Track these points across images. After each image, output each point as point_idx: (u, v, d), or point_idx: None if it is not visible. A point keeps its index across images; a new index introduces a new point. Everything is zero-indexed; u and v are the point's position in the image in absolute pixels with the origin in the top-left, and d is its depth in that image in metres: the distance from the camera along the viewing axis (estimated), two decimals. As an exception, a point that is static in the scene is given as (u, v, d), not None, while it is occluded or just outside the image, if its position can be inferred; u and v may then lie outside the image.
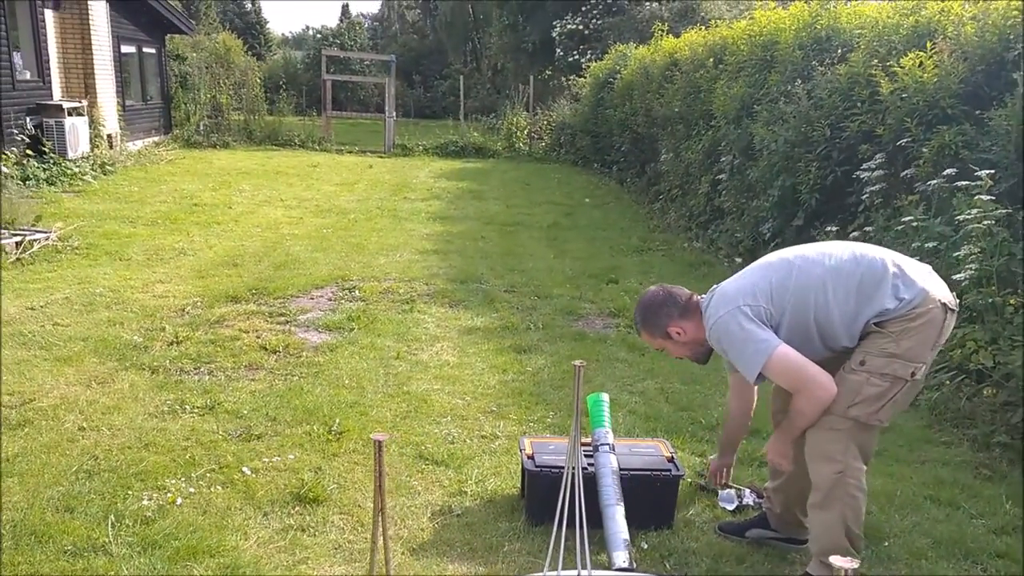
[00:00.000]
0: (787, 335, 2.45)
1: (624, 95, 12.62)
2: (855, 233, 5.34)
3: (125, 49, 14.91)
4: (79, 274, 6.08)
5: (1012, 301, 3.63)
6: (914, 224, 4.40)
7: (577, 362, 2.59)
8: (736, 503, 3.11)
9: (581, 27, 20.51)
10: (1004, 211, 3.86)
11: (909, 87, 4.91)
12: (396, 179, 13.00)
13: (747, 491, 3.16)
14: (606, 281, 6.65)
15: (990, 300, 3.70)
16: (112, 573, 2.54)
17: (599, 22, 20.15)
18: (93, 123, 12.30)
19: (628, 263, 7.42)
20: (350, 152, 17.01)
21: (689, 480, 3.27)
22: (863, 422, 2.44)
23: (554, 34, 21.33)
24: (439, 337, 5.07)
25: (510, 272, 6.85)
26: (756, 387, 2.76)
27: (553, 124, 17.85)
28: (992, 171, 3.98)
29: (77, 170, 10.74)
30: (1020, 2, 4.53)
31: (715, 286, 2.67)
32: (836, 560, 1.37)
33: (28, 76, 11.39)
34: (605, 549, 2.61)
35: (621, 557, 2.54)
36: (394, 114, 18.22)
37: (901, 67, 5.00)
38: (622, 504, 2.70)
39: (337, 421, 3.70)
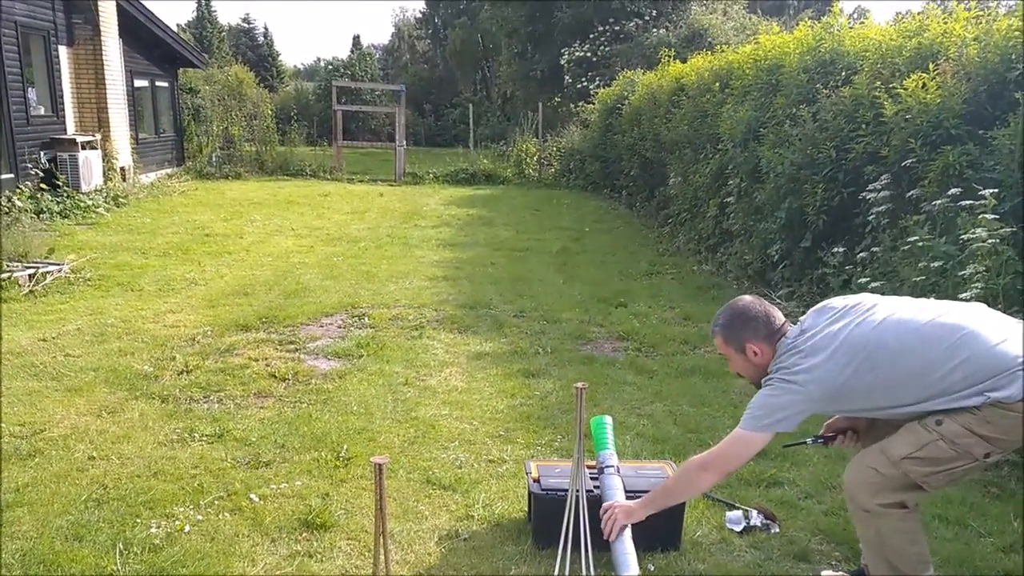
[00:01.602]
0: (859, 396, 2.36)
1: (632, 120, 12.71)
2: (863, 254, 5.34)
3: (138, 83, 15.19)
4: (91, 305, 6.15)
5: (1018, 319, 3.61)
6: (920, 244, 4.40)
7: (578, 384, 2.60)
8: (744, 524, 3.09)
9: (589, 54, 20.71)
10: (1009, 230, 3.86)
11: (913, 108, 4.93)
12: (406, 207, 13.09)
13: (754, 512, 3.14)
14: (615, 305, 6.66)
15: (997, 318, 3.68)
16: (119, 601, 2.55)
17: (607, 49, 20.35)
18: (106, 156, 12.49)
19: (637, 287, 7.43)
20: (361, 181, 17.16)
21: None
22: (911, 479, 2.29)
23: (563, 61, 21.55)
24: (448, 363, 5.09)
25: (519, 297, 6.87)
26: None
27: (562, 150, 17.96)
28: (996, 190, 3.99)
29: (90, 203, 10.88)
30: (1022, 22, 4.56)
31: (808, 326, 2.47)
32: (827, 575, 1.36)
33: (42, 111, 11.61)
34: (613, 571, 2.59)
35: None
36: (404, 143, 18.39)
37: (905, 89, 5.03)
38: (629, 526, 2.69)
39: (345, 447, 3.71)
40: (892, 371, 2.27)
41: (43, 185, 10.52)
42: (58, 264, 7.05)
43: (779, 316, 2.53)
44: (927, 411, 2.26)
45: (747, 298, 2.60)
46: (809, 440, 2.73)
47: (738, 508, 3.19)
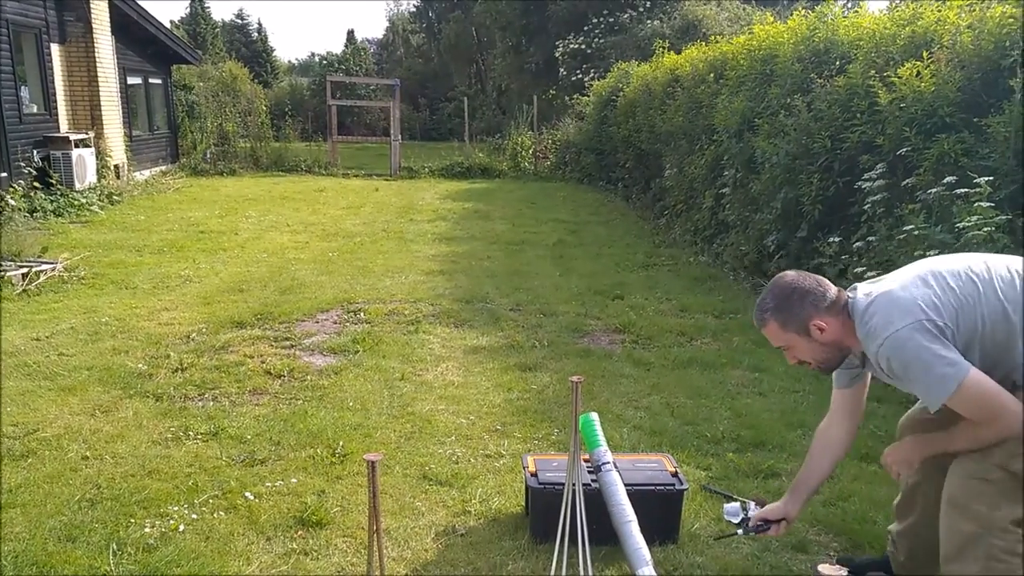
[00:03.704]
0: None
1: (627, 112, 12.68)
2: (858, 243, 5.32)
3: (131, 80, 15.13)
4: (85, 304, 6.12)
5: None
6: (916, 233, 4.38)
7: (574, 378, 2.58)
8: (741, 516, 3.07)
9: (583, 46, 20.66)
10: (1004, 217, 3.84)
11: (907, 97, 4.90)
12: (402, 201, 13.06)
13: (752, 503, 3.12)
14: (612, 297, 6.65)
15: (994, 307, 3.67)
16: (114, 601, 2.54)
17: (601, 41, 20.29)
18: (100, 154, 12.44)
19: (634, 279, 7.41)
20: (356, 176, 17.12)
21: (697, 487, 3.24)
22: None
23: (557, 54, 21.50)
24: (444, 357, 5.07)
25: (516, 291, 6.85)
26: (862, 409, 2.49)
27: (558, 143, 17.93)
28: (991, 178, 3.97)
29: (84, 201, 10.85)
30: (1016, 9, 4.53)
31: (865, 287, 2.25)
32: (823, 569, 1.35)
33: (35, 109, 11.55)
34: (628, 566, 2.58)
35: (647, 572, 2.52)
36: (399, 137, 18.35)
37: (899, 77, 5.00)
38: (636, 522, 2.68)
39: (341, 444, 3.69)
40: (1005, 293, 2.09)
41: (36, 183, 10.46)
42: (52, 263, 7.02)
43: (830, 283, 2.26)
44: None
45: (791, 273, 2.30)
46: (740, 531, 2.67)
47: (736, 500, 3.17)
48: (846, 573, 1.74)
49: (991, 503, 2.08)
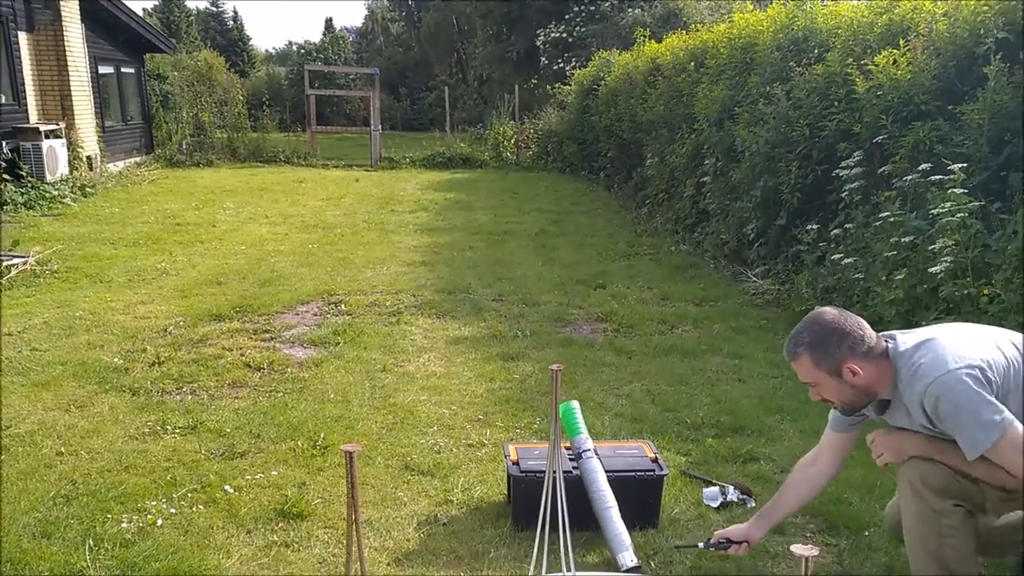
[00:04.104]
0: None
1: (609, 101, 12.68)
2: (836, 230, 5.36)
3: (103, 70, 14.89)
4: (58, 298, 6.03)
5: (986, 291, 3.65)
6: (892, 219, 4.42)
7: (554, 366, 2.58)
8: (720, 500, 3.11)
9: (565, 35, 20.63)
10: (977, 204, 3.89)
11: (884, 85, 4.94)
12: (383, 192, 12.99)
13: (731, 488, 3.16)
14: (594, 287, 6.65)
15: (966, 291, 3.73)
16: (91, 597, 2.51)
17: (583, 29, 20.27)
18: (71, 145, 12.23)
19: (616, 268, 7.42)
20: (336, 167, 16.99)
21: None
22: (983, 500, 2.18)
23: (538, 43, 21.46)
24: (426, 348, 5.06)
25: (498, 281, 6.84)
26: (847, 456, 2.53)
27: (540, 132, 17.88)
28: (965, 165, 4.01)
29: (56, 193, 10.67)
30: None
31: (904, 335, 2.25)
32: (796, 549, 1.35)
33: (3, 100, 11.33)
34: (609, 551, 2.59)
35: (628, 557, 2.54)
36: (380, 127, 18.22)
37: (876, 65, 5.04)
38: (616, 508, 2.69)
39: (322, 436, 3.67)
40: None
41: (6, 176, 10.26)
42: (23, 256, 6.91)
43: (868, 327, 2.23)
44: None
45: (831, 311, 2.26)
46: (701, 544, 2.67)
47: (715, 484, 3.21)
48: (817, 552, 1.76)
49: (942, 495, 2.19)
